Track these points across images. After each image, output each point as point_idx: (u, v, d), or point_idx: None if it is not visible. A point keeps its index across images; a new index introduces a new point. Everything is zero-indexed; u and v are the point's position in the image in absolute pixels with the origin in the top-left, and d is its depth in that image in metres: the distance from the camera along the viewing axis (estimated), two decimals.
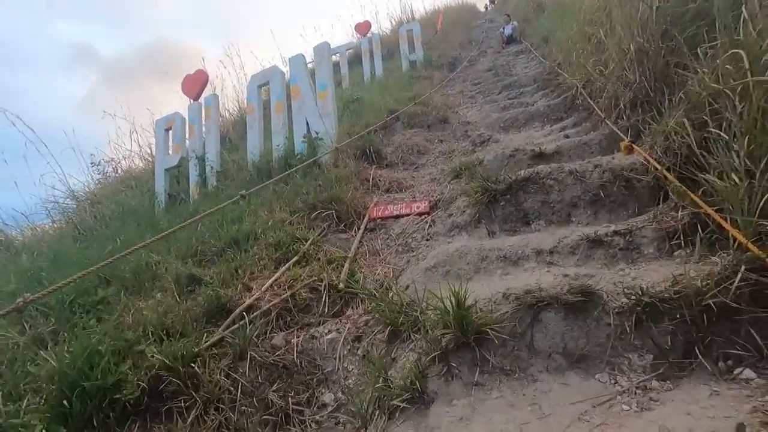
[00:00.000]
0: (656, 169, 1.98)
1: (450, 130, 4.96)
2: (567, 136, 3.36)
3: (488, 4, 20.14)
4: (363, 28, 11.55)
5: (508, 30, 10.93)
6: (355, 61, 11.34)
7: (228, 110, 9.10)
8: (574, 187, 2.20)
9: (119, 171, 7.58)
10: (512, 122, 4.43)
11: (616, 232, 1.78)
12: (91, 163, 8.03)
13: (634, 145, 2.31)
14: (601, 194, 2.12)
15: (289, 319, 2.11)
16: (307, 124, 4.73)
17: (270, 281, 2.28)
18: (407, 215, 3.04)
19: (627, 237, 1.75)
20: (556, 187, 2.24)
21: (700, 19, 2.48)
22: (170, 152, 6.01)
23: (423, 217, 2.97)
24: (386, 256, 2.68)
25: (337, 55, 11.60)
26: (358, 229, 2.99)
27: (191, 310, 2.10)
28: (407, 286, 2.09)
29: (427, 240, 2.65)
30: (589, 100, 3.37)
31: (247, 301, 2.12)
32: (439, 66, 9.60)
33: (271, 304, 2.11)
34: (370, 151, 4.17)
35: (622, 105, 2.87)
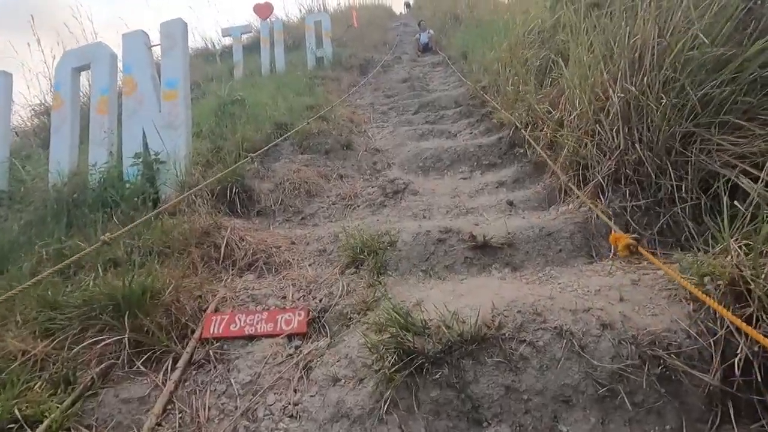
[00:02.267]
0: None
1: (354, 160, 3.80)
2: (511, 203, 2.40)
3: (404, 8, 19.60)
4: (264, 10, 9.81)
5: (423, 38, 10.25)
6: (253, 48, 9.57)
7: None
8: (567, 367, 1.17)
9: None
10: (434, 161, 3.41)
11: None
12: None
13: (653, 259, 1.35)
14: (619, 391, 1.12)
15: None
16: (144, 136, 3.17)
17: None
18: (270, 336, 1.78)
19: None
20: (533, 360, 1.18)
21: (730, 72, 1.65)
22: None
23: (294, 343, 1.74)
24: None
25: (230, 37, 9.78)
26: (173, 366, 1.64)
27: None
28: None
29: (291, 417, 1.42)
30: (551, 163, 2.42)
31: None
32: (350, 67, 8.45)
33: None
34: (232, 191, 2.80)
35: (599, 178, 1.96)
